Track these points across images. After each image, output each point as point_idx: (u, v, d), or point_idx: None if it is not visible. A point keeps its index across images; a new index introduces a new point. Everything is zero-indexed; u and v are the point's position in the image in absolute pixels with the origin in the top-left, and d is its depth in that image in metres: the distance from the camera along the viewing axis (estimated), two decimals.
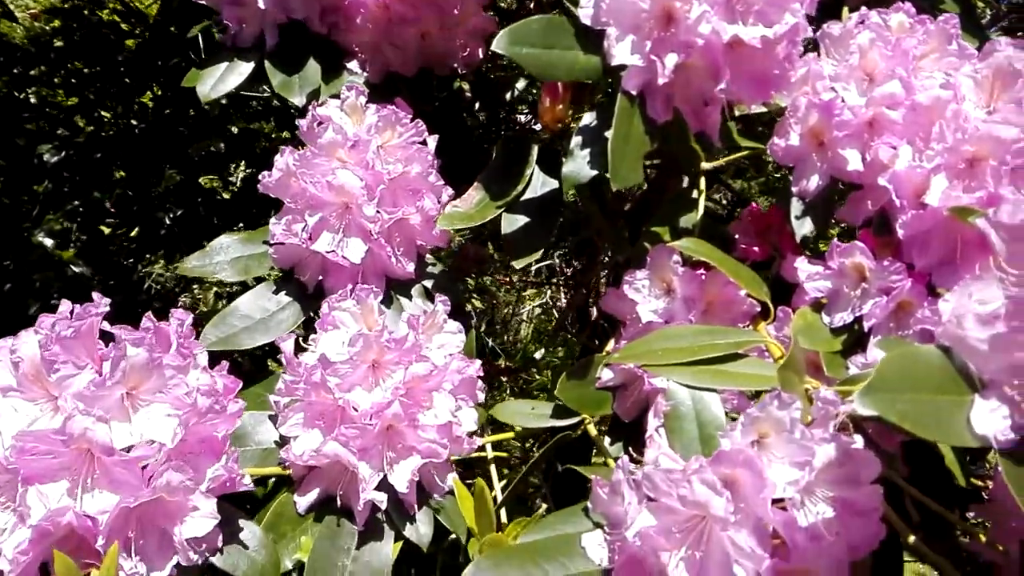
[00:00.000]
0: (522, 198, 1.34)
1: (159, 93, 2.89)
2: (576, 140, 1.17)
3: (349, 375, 1.02)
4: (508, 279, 4.10)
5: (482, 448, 1.40)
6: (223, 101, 2.13)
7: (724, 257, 1.15)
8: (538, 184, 1.36)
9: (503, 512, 1.22)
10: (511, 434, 1.40)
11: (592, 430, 1.25)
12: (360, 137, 1.22)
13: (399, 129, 1.24)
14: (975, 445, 0.63)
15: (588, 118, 1.19)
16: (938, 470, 0.90)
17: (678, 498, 0.79)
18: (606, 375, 1.24)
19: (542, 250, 1.31)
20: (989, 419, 0.64)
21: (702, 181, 1.45)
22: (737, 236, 1.37)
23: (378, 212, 1.23)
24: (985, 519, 1.04)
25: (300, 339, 1.13)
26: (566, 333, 3.21)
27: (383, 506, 1.04)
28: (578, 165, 1.15)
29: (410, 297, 1.32)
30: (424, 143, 1.30)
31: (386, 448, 1.06)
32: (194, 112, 2.85)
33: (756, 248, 1.34)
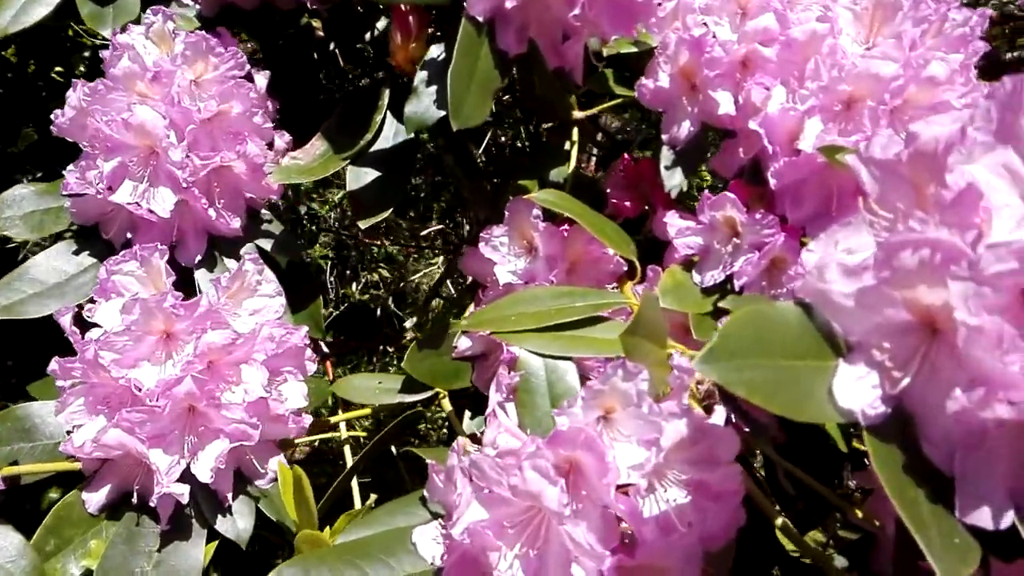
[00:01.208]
0: (371, 149, 1.18)
1: (16, 50, 2.57)
2: (421, 76, 1.02)
3: (130, 349, 0.85)
4: (415, 247, 3.93)
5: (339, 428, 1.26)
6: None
7: (587, 211, 1.03)
8: (390, 133, 1.20)
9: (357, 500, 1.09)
10: (366, 411, 1.26)
11: (447, 405, 1.12)
12: (163, 67, 1.03)
13: (213, 60, 1.06)
14: (838, 421, 0.53)
15: (436, 51, 1.04)
16: (819, 435, 0.82)
17: (509, 488, 0.67)
18: (463, 344, 1.10)
19: (391, 208, 1.16)
20: (855, 389, 0.54)
21: (575, 131, 1.33)
22: (608, 190, 1.26)
23: (188, 157, 1.04)
24: (867, 486, 0.97)
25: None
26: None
27: (184, 500, 0.88)
28: (423, 105, 1.00)
29: (239, 258, 1.14)
30: (249, 79, 1.12)
31: (188, 432, 0.90)
32: (61, 69, 2.56)
33: (628, 203, 1.23)
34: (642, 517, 0.65)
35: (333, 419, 1.24)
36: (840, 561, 1.08)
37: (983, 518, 0.50)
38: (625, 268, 1.09)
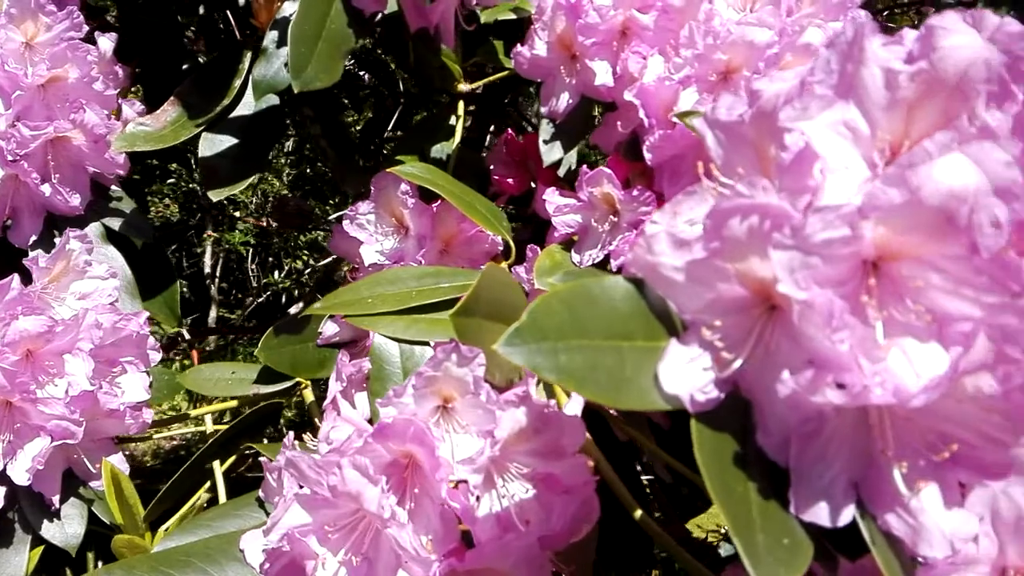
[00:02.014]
0: (231, 115, 1.09)
1: None
2: (271, 36, 0.93)
3: None
4: None
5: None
6: None
7: (457, 187, 0.96)
8: (252, 99, 1.11)
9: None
10: (231, 403, 1.17)
11: (309, 396, 1.04)
12: None
13: (45, 20, 0.95)
14: (663, 407, 0.47)
15: (289, 7, 0.95)
16: None
17: (329, 488, 0.60)
18: (329, 329, 1.03)
19: (249, 180, 1.07)
20: (684, 372, 0.48)
21: (460, 104, 1.26)
22: (492, 167, 1.19)
23: (16, 127, 0.94)
24: None
25: None
26: None
27: None
28: (272, 68, 0.92)
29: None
30: (90, 41, 1.01)
31: (3, 430, 0.80)
32: None
33: (511, 180, 1.16)
34: (474, 516, 0.59)
35: (194, 412, 1.15)
36: (727, 549, 1.05)
37: (820, 514, 0.45)
38: (501, 248, 1.03)
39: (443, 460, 0.59)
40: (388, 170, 0.94)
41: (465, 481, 0.61)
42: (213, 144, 1.07)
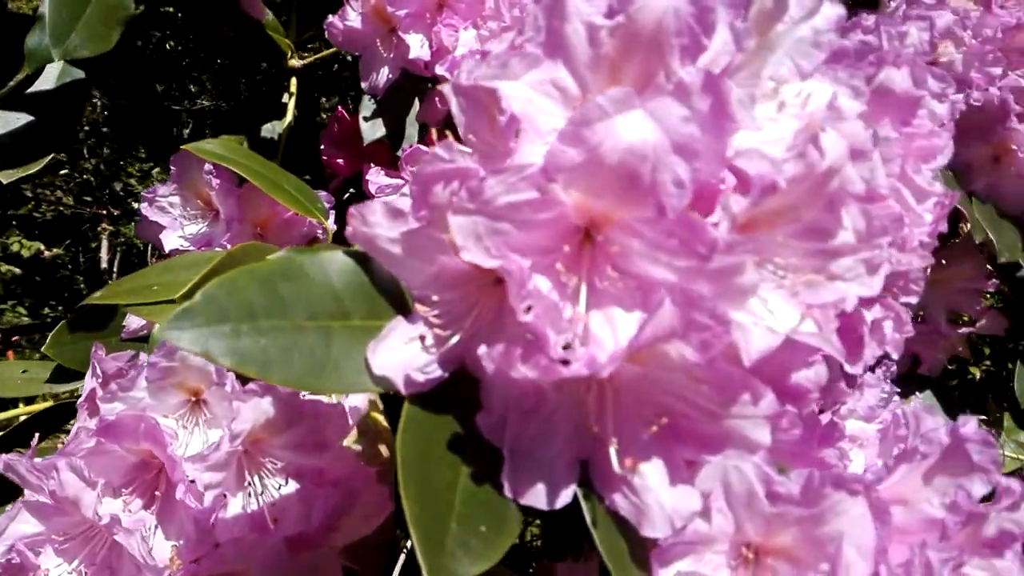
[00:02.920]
0: (28, 90, 1.00)
1: None
2: (48, 1, 0.85)
3: None
4: None
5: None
6: None
7: (262, 166, 0.91)
8: (54, 73, 1.02)
9: None
10: (46, 403, 1.08)
11: None
12: None
13: None
14: (372, 390, 0.44)
15: None
16: None
17: (49, 494, 0.54)
18: (134, 322, 0.96)
19: (46, 160, 0.99)
20: (400, 352, 0.45)
21: (293, 81, 1.20)
22: (323, 147, 1.14)
23: None
24: None
25: None
26: None
27: None
28: (46, 36, 0.84)
29: None
30: None
31: None
32: None
33: (341, 160, 1.11)
34: (214, 516, 0.54)
35: (3, 415, 1.06)
36: None
37: (538, 497, 0.43)
38: (322, 232, 0.98)
39: (177, 459, 0.54)
40: (184, 147, 0.88)
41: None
42: (6, 122, 0.98)
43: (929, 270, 1.26)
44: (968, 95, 1.13)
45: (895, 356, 0.63)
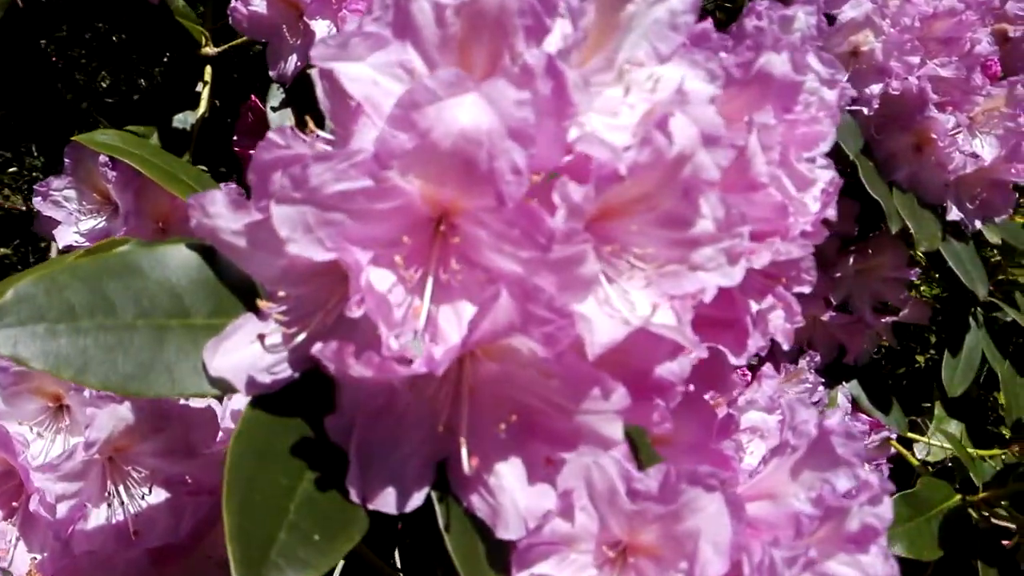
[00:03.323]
0: None
1: None
2: None
3: None
4: None
5: None
6: None
7: (158, 156, 0.87)
8: None
9: None
10: None
11: None
12: None
13: None
14: (207, 393, 0.42)
15: None
16: None
17: None
18: None
19: None
20: (244, 352, 0.42)
21: (207, 70, 1.16)
22: (235, 137, 1.11)
23: None
24: None
25: None
26: None
27: None
28: None
29: None
30: None
31: None
32: None
33: (253, 151, 1.08)
34: (65, 528, 0.52)
35: None
36: None
37: (387, 501, 0.41)
38: None
39: (29, 468, 0.51)
40: (74, 138, 0.84)
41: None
42: None
43: (852, 260, 1.28)
44: (888, 84, 1.14)
45: (786, 346, 0.62)
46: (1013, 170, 1.16)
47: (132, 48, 1.40)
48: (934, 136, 1.16)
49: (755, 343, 0.56)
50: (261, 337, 0.43)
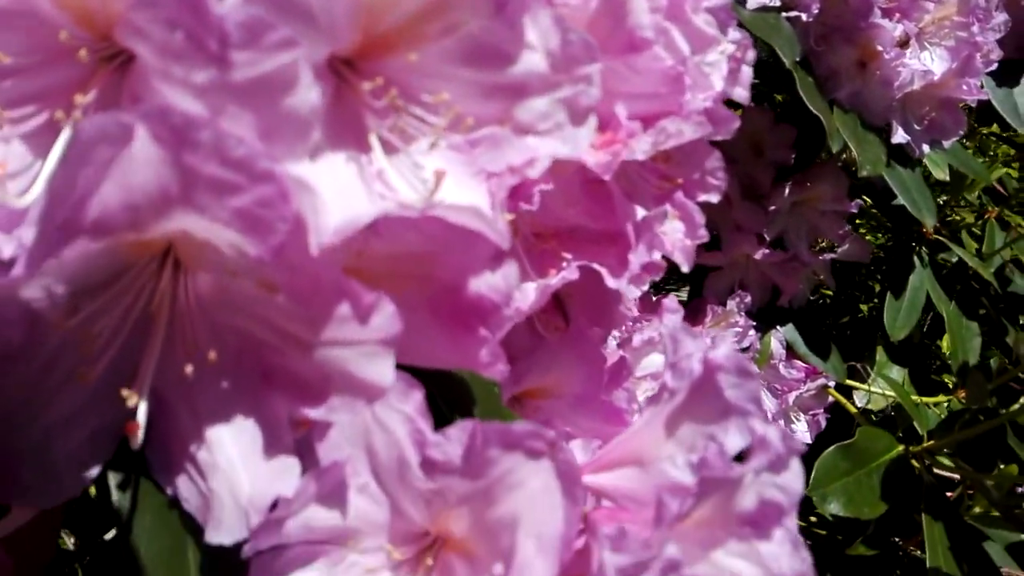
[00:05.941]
0: None
1: None
2: None
3: None
4: None
5: None
6: None
7: None
8: None
9: None
10: None
11: None
12: None
13: None
14: None
15: None
16: None
17: None
18: None
19: None
20: None
21: None
22: None
23: None
24: None
25: None
26: None
27: None
28: None
29: None
30: None
31: None
32: None
33: None
34: None
35: None
36: None
37: (25, 492, 0.26)
38: None
39: None
40: None
41: None
42: None
43: (788, 191, 1.15)
44: None
45: (685, 267, 0.49)
46: (964, 86, 1.04)
47: None
48: (879, 48, 1.03)
49: (639, 259, 0.42)
50: None
